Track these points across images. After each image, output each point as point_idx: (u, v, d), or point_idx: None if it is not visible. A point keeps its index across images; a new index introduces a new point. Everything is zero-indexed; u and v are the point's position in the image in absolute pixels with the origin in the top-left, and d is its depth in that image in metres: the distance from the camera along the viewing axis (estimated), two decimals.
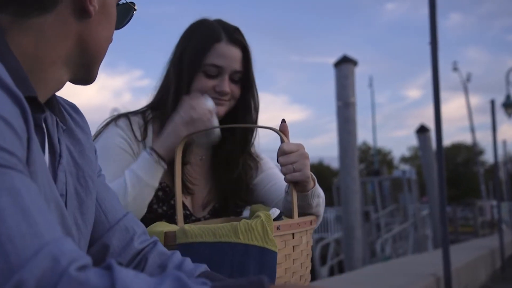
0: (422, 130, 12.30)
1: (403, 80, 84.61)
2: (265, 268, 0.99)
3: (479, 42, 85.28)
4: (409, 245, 12.11)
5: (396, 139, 76.05)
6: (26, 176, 0.55)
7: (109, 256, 0.86)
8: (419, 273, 3.52)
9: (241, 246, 0.98)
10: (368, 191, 15.38)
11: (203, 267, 0.87)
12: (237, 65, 1.38)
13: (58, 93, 0.80)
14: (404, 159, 49.12)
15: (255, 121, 1.47)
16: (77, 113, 0.88)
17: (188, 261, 0.87)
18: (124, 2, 0.84)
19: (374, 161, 31.16)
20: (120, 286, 0.49)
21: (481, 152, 40.23)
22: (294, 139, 1.14)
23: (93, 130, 0.97)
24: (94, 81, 0.81)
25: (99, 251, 0.86)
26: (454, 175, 39.27)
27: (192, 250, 1.00)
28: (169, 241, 1.03)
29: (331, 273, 10.51)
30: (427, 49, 3.26)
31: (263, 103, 1.48)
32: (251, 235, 0.99)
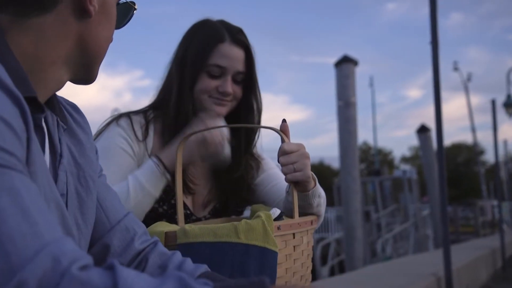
0: (422, 130, 12.30)
1: (403, 80, 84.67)
2: (266, 268, 0.99)
3: (479, 42, 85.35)
4: (410, 245, 12.11)
5: (397, 139, 76.10)
6: (26, 176, 0.55)
7: (110, 257, 0.86)
8: (420, 273, 3.52)
9: (242, 246, 0.98)
10: (369, 191, 15.37)
11: (204, 268, 0.87)
12: (240, 66, 1.38)
13: (58, 93, 0.80)
14: (404, 159, 49.13)
15: (258, 122, 1.47)
16: (78, 113, 0.88)
17: (188, 261, 0.87)
18: (124, 1, 0.84)
19: (375, 161, 31.16)
20: (123, 286, 0.49)
21: (482, 152, 40.24)
22: (294, 139, 1.14)
23: (94, 130, 0.97)
24: (94, 81, 0.81)
25: (99, 252, 0.86)
26: (454, 175, 39.25)
27: (193, 250, 0.99)
28: (170, 241, 1.03)
29: (332, 273, 10.51)
30: (427, 49, 3.26)
31: (264, 103, 1.49)
32: (251, 235, 0.99)
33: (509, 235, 8.91)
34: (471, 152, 40.11)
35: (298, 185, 1.13)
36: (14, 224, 0.49)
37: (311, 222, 1.15)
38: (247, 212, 1.45)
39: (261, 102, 1.46)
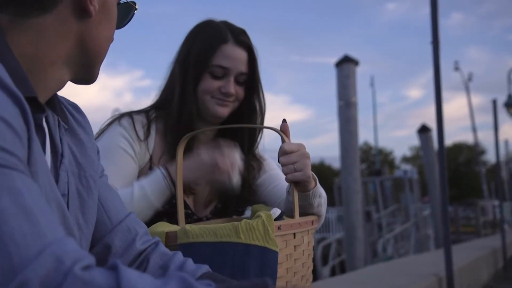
0: (423, 130, 12.30)
1: (404, 79, 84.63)
2: (266, 267, 0.99)
3: (480, 42, 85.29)
4: (411, 245, 12.10)
5: (398, 139, 76.06)
6: (27, 176, 0.55)
7: (111, 257, 0.86)
8: (421, 273, 3.52)
9: (242, 246, 0.98)
10: (370, 191, 15.36)
11: (205, 268, 0.87)
12: (242, 67, 1.39)
13: (59, 93, 0.80)
14: (405, 159, 49.08)
15: (261, 123, 1.47)
16: (79, 113, 0.88)
17: (190, 261, 0.87)
18: (125, 1, 0.84)
19: (376, 161, 31.15)
20: (126, 286, 0.49)
21: (483, 152, 40.17)
22: (295, 139, 1.14)
23: (94, 130, 0.97)
24: (95, 81, 0.81)
25: (101, 252, 0.86)
26: (455, 175, 39.23)
27: (193, 250, 1.00)
28: (170, 241, 1.03)
29: (333, 273, 10.51)
30: (428, 49, 3.26)
31: None
32: (252, 235, 0.99)
33: (510, 235, 8.90)
34: (472, 152, 40.06)
35: (298, 185, 1.13)
36: (15, 224, 0.49)
37: (312, 222, 1.15)
38: (248, 212, 1.45)
39: (264, 103, 1.47)
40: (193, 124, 1.37)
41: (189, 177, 1.27)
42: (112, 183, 1.22)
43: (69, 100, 0.88)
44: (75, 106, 0.88)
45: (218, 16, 1.46)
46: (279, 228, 1.02)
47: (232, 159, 1.28)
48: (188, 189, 1.37)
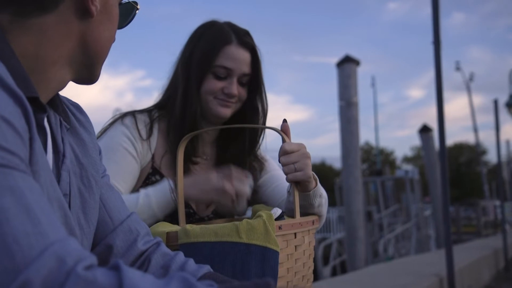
0: (424, 130, 12.29)
1: (405, 79, 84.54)
2: (267, 267, 0.99)
3: (482, 42, 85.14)
4: (412, 245, 12.09)
5: (399, 139, 75.97)
6: (29, 176, 0.55)
7: (113, 257, 0.86)
8: (422, 273, 3.52)
9: (243, 245, 0.98)
10: (371, 191, 15.35)
11: (206, 268, 0.87)
12: (246, 68, 1.39)
13: (61, 93, 0.80)
14: (406, 159, 49.04)
15: (263, 124, 1.48)
16: (81, 113, 0.88)
17: (191, 261, 0.87)
18: (127, 1, 0.84)
19: (377, 161, 31.14)
20: (128, 286, 0.49)
21: (484, 152, 40.10)
22: (296, 139, 1.15)
23: (96, 130, 0.97)
24: (97, 80, 0.81)
25: (102, 252, 0.86)
26: (457, 175, 39.18)
27: (194, 249, 1.00)
28: (171, 241, 1.03)
29: (334, 273, 10.51)
30: (429, 49, 3.26)
31: None
32: (252, 235, 0.99)
33: None
34: (473, 152, 40.02)
35: (299, 185, 1.13)
36: (17, 224, 0.49)
37: (313, 222, 1.15)
38: (248, 212, 1.46)
39: (266, 104, 1.47)
40: (197, 124, 1.37)
41: (192, 194, 1.27)
42: (113, 182, 1.23)
43: (71, 100, 0.88)
44: (77, 106, 0.88)
45: (220, 16, 1.47)
46: (280, 228, 1.02)
47: (241, 189, 1.28)
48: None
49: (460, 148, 45.42)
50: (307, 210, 1.21)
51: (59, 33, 0.70)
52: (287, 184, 1.16)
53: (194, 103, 1.37)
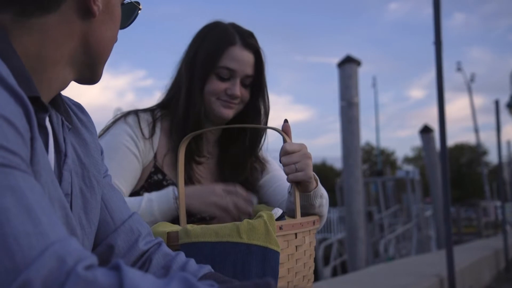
0: (425, 131, 12.27)
1: (406, 80, 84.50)
2: (268, 268, 0.99)
3: (483, 42, 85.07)
4: (413, 245, 12.09)
5: (400, 139, 75.92)
6: (30, 175, 0.55)
7: (114, 257, 0.86)
8: (423, 273, 3.52)
9: (244, 246, 0.98)
10: (371, 191, 15.36)
11: (207, 268, 0.87)
12: (249, 70, 1.40)
13: (62, 93, 0.80)
14: (407, 160, 49.01)
15: (265, 124, 1.48)
16: (83, 113, 0.88)
17: (192, 262, 0.87)
18: (129, 1, 0.84)
19: (378, 162, 31.13)
20: (128, 286, 0.49)
21: (485, 153, 40.05)
22: (297, 139, 1.15)
23: (97, 130, 0.97)
24: (99, 81, 0.81)
25: (104, 252, 0.86)
26: (457, 175, 39.14)
27: (195, 249, 1.00)
28: (172, 241, 1.03)
29: (334, 273, 10.50)
30: (430, 49, 3.25)
31: None
32: (253, 235, 0.99)
33: None
34: (474, 152, 39.97)
35: (300, 185, 1.13)
36: (18, 224, 0.49)
37: (313, 222, 1.15)
38: None
39: (268, 105, 1.48)
40: (200, 124, 1.38)
41: (193, 204, 1.28)
42: (114, 180, 1.24)
43: (73, 100, 0.88)
44: (79, 106, 0.88)
45: (221, 16, 1.47)
46: (280, 228, 1.02)
47: (244, 210, 1.29)
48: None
49: (461, 148, 45.39)
50: (308, 210, 1.21)
51: (61, 33, 0.70)
52: (288, 184, 1.16)
53: (197, 103, 1.38)
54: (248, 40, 1.40)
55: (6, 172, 0.52)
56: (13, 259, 0.47)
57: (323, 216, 1.26)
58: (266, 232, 0.99)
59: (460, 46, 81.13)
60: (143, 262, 0.88)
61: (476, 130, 20.37)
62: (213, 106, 1.40)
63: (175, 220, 1.32)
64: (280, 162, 1.12)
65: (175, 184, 1.36)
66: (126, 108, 1.44)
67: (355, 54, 8.72)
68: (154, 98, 1.51)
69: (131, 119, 1.38)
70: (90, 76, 0.79)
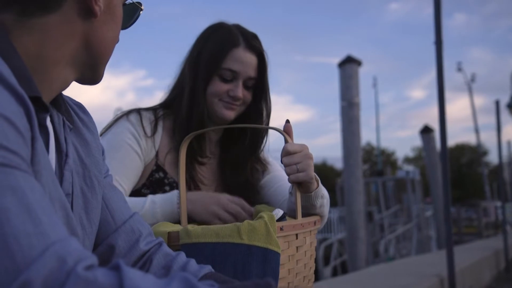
0: (426, 131, 12.27)
1: (407, 80, 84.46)
2: (268, 268, 0.99)
3: (483, 42, 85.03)
4: (413, 245, 12.09)
5: (400, 139, 75.89)
6: (30, 175, 0.55)
7: (115, 257, 0.86)
8: (423, 273, 3.52)
9: (244, 246, 0.98)
10: (372, 191, 15.37)
11: (208, 268, 0.87)
12: (252, 72, 1.40)
13: (64, 92, 0.80)
14: (408, 160, 49.01)
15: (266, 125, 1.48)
16: (84, 113, 0.88)
17: (192, 262, 0.87)
18: (131, 2, 0.84)
19: (378, 162, 31.13)
20: (128, 286, 0.49)
21: (485, 153, 40.02)
22: (297, 139, 1.14)
23: (98, 130, 0.97)
24: (100, 81, 0.81)
25: (104, 252, 0.86)
26: (458, 175, 39.14)
27: (195, 250, 1.00)
28: (173, 241, 1.03)
29: (334, 273, 10.50)
30: (431, 49, 3.26)
31: None
32: (254, 236, 0.99)
33: None
34: (474, 153, 39.95)
35: (301, 186, 1.13)
36: (18, 224, 0.49)
37: (314, 223, 1.14)
38: None
39: (270, 107, 1.48)
40: (204, 124, 1.38)
41: (195, 211, 1.28)
42: (116, 178, 1.24)
43: (74, 100, 0.88)
44: (80, 106, 0.88)
45: (221, 17, 1.47)
46: (281, 229, 1.02)
47: (243, 216, 1.29)
48: (196, 188, 1.39)
49: (461, 149, 45.37)
50: (309, 210, 1.21)
51: (62, 33, 0.70)
52: (289, 184, 1.16)
53: (201, 103, 1.39)
54: (252, 42, 1.40)
55: (6, 172, 0.52)
56: (13, 259, 0.47)
57: (324, 216, 1.26)
58: (266, 233, 0.99)
59: (460, 46, 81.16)
60: (143, 262, 0.88)
61: (477, 130, 20.39)
62: (215, 107, 1.40)
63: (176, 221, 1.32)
64: (282, 162, 1.12)
65: (176, 182, 1.36)
66: (126, 108, 1.45)
67: (356, 54, 8.72)
68: (154, 97, 1.51)
69: (133, 117, 1.38)
70: (91, 76, 0.79)
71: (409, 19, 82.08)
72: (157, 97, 1.52)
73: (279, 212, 1.08)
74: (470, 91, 21.11)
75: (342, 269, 10.82)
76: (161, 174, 1.37)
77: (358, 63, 7.75)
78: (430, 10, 3.28)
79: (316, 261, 1.20)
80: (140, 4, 0.85)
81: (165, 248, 0.91)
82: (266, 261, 0.99)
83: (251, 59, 1.39)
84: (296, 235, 1.07)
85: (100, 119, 1.50)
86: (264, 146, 1.50)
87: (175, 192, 1.30)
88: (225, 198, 1.30)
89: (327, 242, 11.72)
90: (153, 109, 1.44)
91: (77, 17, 0.71)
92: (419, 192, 13.57)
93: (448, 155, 3.34)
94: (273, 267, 0.99)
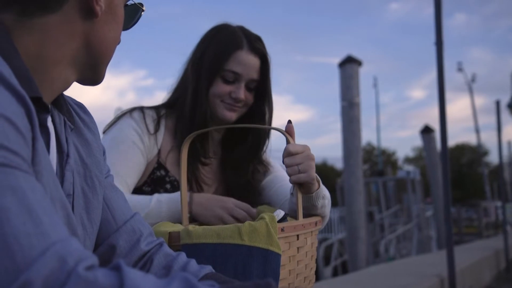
0: (426, 131, 12.27)
1: (407, 80, 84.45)
2: (269, 270, 0.99)
3: (484, 42, 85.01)
4: (413, 245, 12.09)
5: (400, 139, 75.86)
6: (31, 176, 0.55)
7: (116, 257, 0.86)
8: (423, 273, 3.52)
9: (245, 247, 0.98)
10: (372, 191, 15.36)
11: (208, 268, 0.87)
12: (254, 74, 1.41)
13: (65, 93, 0.80)
14: (408, 160, 49.00)
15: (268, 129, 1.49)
16: (85, 113, 0.88)
17: (193, 262, 0.87)
18: (132, 2, 0.83)
19: (378, 162, 31.12)
20: (129, 286, 0.49)
21: (485, 153, 40.01)
22: (297, 139, 1.14)
23: (99, 130, 0.97)
24: (101, 81, 0.81)
25: (105, 252, 0.86)
26: (458, 176, 39.12)
27: (196, 250, 1.00)
28: (173, 241, 1.03)
29: (335, 273, 10.50)
30: (431, 49, 3.26)
31: None
32: (255, 237, 0.99)
33: None
34: (475, 153, 39.95)
35: (302, 186, 1.13)
36: (19, 224, 0.49)
37: (315, 223, 1.14)
38: None
39: (272, 109, 1.49)
40: (206, 125, 1.38)
41: (199, 214, 1.28)
42: (119, 174, 1.25)
43: (75, 100, 0.88)
44: (81, 106, 0.88)
45: (222, 17, 1.48)
46: (282, 230, 1.02)
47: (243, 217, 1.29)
48: (198, 188, 1.40)
49: (461, 149, 45.36)
50: (310, 211, 1.21)
51: (63, 33, 0.70)
52: (290, 184, 1.16)
53: (204, 103, 1.39)
54: (255, 45, 1.41)
55: (7, 172, 0.52)
56: (14, 259, 0.47)
57: (325, 217, 1.26)
58: (267, 234, 0.99)
59: (461, 46, 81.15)
60: (144, 263, 0.88)
61: (477, 130, 20.39)
62: (217, 108, 1.40)
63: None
64: (283, 163, 1.12)
65: (177, 180, 1.36)
66: (126, 108, 1.45)
67: (356, 54, 8.72)
68: (155, 97, 1.52)
69: (136, 115, 1.39)
70: (92, 76, 0.79)
71: (409, 19, 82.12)
72: (158, 97, 1.53)
73: (280, 213, 1.08)
74: (471, 91, 21.14)
75: (343, 269, 10.82)
76: (163, 172, 1.38)
77: (358, 63, 7.75)
78: (430, 10, 3.29)
79: (316, 261, 1.20)
80: (141, 5, 0.85)
81: (166, 248, 0.91)
82: (267, 262, 0.98)
83: (254, 61, 1.40)
84: (297, 236, 1.06)
85: (101, 119, 1.50)
86: (266, 148, 1.50)
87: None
88: (231, 202, 1.30)
89: (328, 242, 11.72)
90: (155, 108, 1.45)
91: (78, 17, 0.71)
92: (419, 192, 13.56)
93: (448, 155, 3.34)
94: (273, 268, 0.99)
